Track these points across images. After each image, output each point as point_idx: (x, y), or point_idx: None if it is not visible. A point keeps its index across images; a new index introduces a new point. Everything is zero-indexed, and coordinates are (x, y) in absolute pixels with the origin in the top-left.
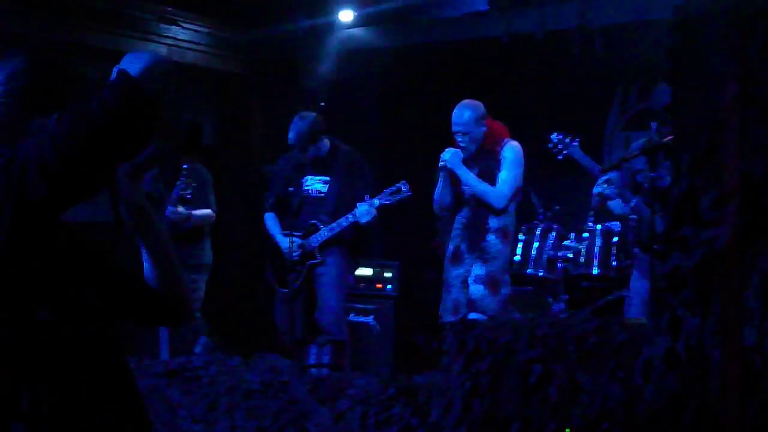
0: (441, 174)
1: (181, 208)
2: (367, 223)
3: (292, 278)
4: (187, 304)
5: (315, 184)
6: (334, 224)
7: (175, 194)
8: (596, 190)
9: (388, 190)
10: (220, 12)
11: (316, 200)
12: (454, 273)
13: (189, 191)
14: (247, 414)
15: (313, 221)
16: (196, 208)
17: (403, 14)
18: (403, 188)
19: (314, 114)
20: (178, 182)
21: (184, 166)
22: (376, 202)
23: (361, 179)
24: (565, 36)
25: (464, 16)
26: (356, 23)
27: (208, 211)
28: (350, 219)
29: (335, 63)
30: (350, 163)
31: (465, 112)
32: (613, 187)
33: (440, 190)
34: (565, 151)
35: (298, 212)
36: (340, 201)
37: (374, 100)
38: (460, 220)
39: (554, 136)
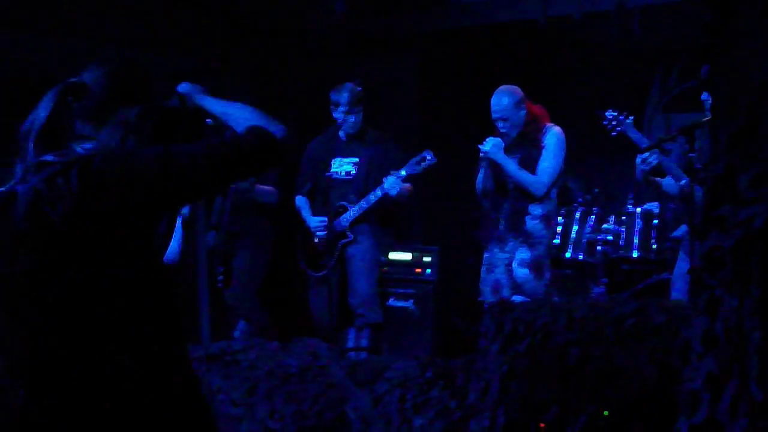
0: (482, 164)
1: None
2: (398, 195)
3: (325, 261)
4: None
5: (344, 165)
6: (362, 201)
7: None
8: (639, 159)
9: (413, 160)
10: None
11: (345, 182)
12: (499, 255)
13: None
14: (285, 398)
15: (342, 203)
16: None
17: None
18: (428, 156)
19: (349, 84)
20: None
21: None
22: (403, 172)
23: (391, 160)
24: (603, 17)
25: None
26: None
27: (271, 188)
28: (379, 193)
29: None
30: (379, 144)
31: (503, 98)
32: (654, 156)
33: (482, 178)
34: (618, 128)
35: (328, 195)
36: (369, 181)
37: (412, 85)
38: (505, 207)
39: (609, 113)
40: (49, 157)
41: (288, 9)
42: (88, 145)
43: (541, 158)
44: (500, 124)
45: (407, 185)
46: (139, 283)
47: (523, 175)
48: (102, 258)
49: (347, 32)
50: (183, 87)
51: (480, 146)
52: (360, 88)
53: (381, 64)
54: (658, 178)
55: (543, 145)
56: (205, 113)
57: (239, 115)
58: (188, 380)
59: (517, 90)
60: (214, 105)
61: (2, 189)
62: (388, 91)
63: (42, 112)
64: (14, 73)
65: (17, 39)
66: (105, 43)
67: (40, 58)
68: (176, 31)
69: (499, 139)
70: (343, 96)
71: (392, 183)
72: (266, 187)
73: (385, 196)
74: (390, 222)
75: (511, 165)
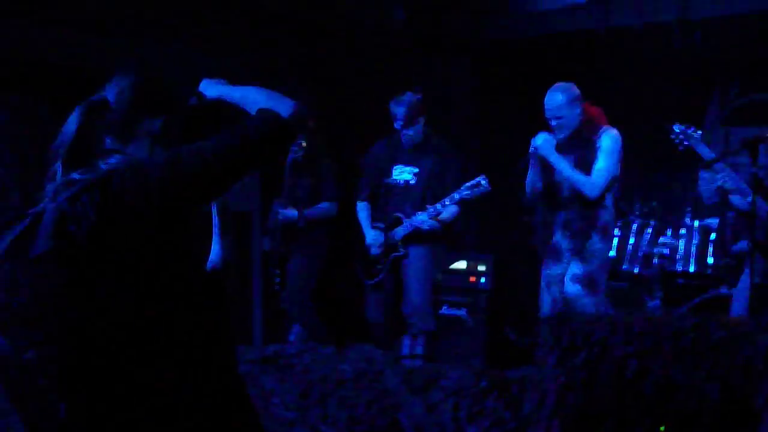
0: (531, 160)
1: (291, 210)
2: (431, 229)
3: (377, 270)
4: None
5: (404, 173)
6: (407, 223)
7: (289, 160)
8: (715, 184)
9: (467, 184)
10: None
11: (404, 190)
12: (555, 270)
13: (300, 153)
14: (339, 403)
15: (398, 214)
16: (313, 190)
17: (501, 7)
18: (483, 182)
19: (411, 94)
20: (293, 147)
21: (300, 137)
22: (456, 196)
23: (450, 173)
24: (665, 29)
25: (562, 8)
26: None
27: (324, 205)
28: (408, 228)
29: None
30: (441, 154)
31: (557, 96)
32: (724, 174)
33: (531, 177)
34: (686, 143)
35: (386, 202)
36: (426, 193)
37: (470, 93)
38: (561, 215)
39: (677, 127)
40: (75, 176)
41: (346, 14)
42: (112, 160)
43: (597, 160)
44: (553, 122)
45: (455, 210)
46: (173, 291)
47: (576, 175)
48: (130, 271)
49: (405, 38)
50: (202, 84)
51: (532, 139)
52: (419, 97)
53: (438, 70)
54: (731, 199)
55: (598, 146)
56: (224, 104)
57: (252, 99)
58: (231, 387)
59: (573, 87)
60: (228, 93)
61: (34, 209)
62: (444, 97)
63: (68, 131)
64: (80, 68)
65: (85, 36)
66: (157, 44)
67: (100, 55)
68: (234, 34)
69: (550, 135)
70: (400, 110)
71: (420, 221)
72: (319, 207)
73: (417, 229)
74: (443, 238)
75: (562, 163)
